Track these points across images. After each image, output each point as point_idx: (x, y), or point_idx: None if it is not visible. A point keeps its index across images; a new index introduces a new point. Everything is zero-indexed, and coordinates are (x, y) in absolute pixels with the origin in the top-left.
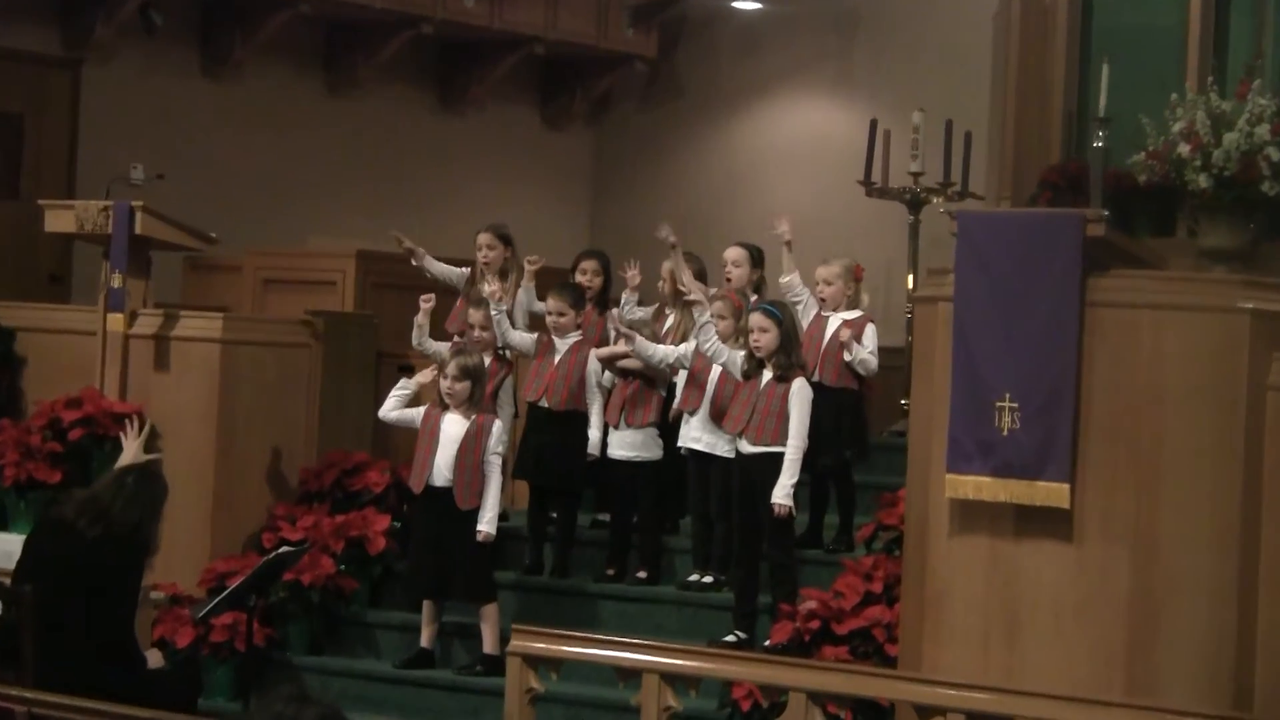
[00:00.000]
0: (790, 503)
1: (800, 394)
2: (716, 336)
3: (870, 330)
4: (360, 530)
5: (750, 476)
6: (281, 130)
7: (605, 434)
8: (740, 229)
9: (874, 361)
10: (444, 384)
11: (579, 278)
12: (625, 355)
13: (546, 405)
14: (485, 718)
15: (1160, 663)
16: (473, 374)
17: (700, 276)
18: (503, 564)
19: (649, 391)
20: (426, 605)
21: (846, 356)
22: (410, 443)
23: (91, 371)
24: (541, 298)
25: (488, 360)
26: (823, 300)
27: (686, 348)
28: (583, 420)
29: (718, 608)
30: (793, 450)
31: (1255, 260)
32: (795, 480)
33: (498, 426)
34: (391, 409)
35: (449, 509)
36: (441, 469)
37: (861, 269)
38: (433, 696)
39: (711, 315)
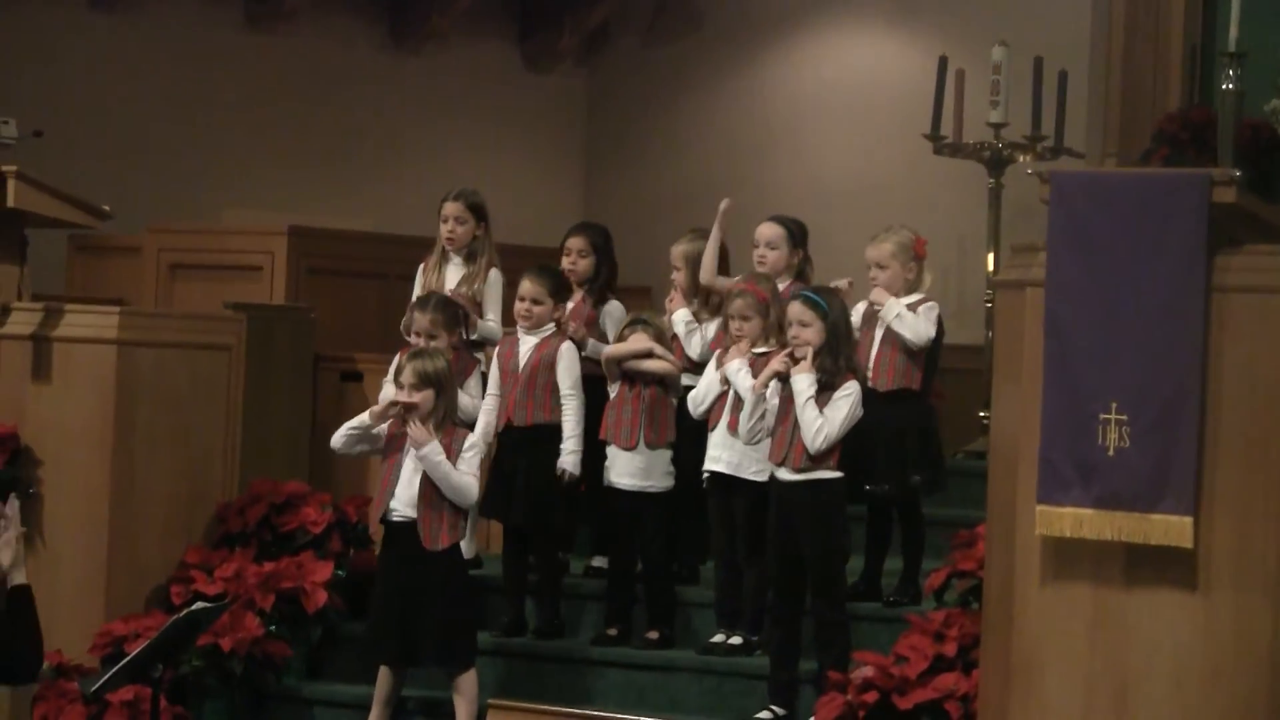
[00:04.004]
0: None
1: (847, 389)
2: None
3: (929, 308)
4: (294, 581)
5: (789, 510)
6: (192, 75)
7: (595, 456)
8: (774, 196)
9: (925, 328)
10: (400, 396)
11: (564, 261)
12: (645, 354)
13: (514, 421)
14: None
15: None
16: (434, 381)
17: (720, 256)
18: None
19: (664, 402)
20: (383, 675)
21: (886, 315)
22: (357, 468)
23: None
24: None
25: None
26: (877, 288)
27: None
28: (557, 435)
29: (749, 676)
30: (818, 421)
31: None
32: (806, 376)
33: (470, 440)
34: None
35: (415, 550)
36: (403, 501)
37: (924, 242)
38: None
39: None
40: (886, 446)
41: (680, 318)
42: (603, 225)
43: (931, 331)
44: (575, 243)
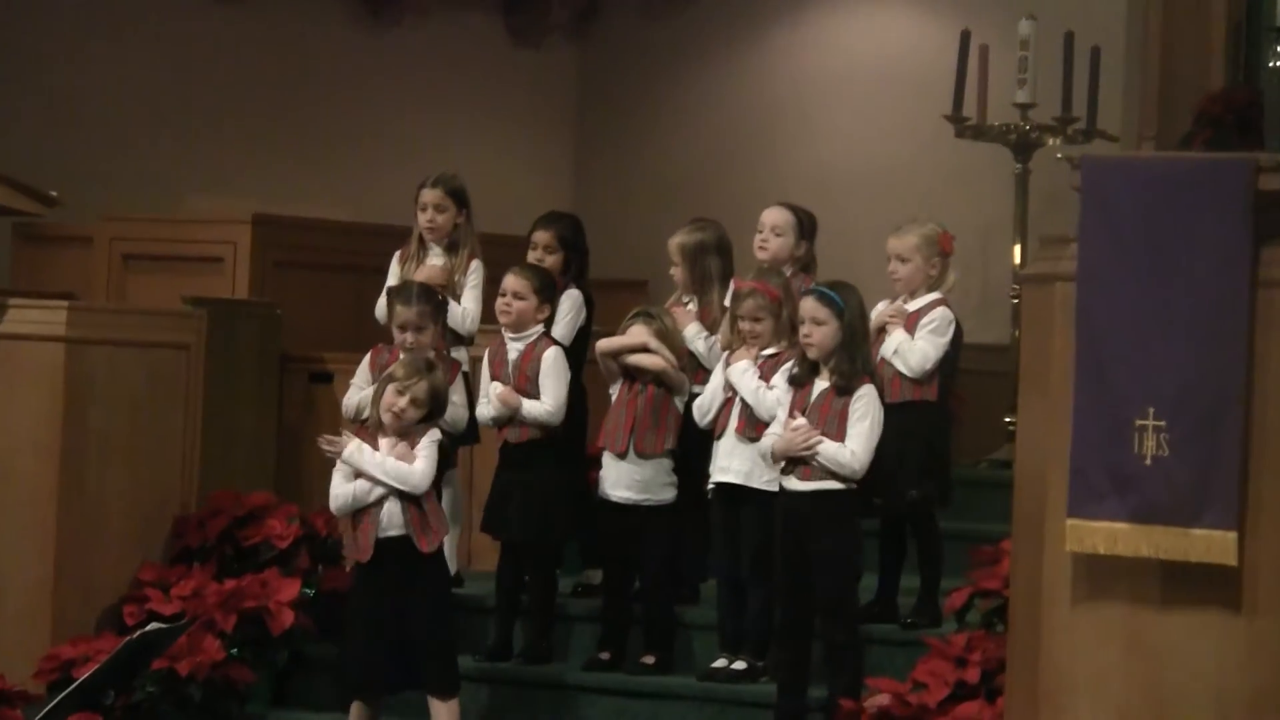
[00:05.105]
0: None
1: (865, 399)
2: (759, 386)
3: (940, 316)
4: (258, 601)
5: (798, 524)
6: (149, 49)
7: (590, 467)
8: (780, 182)
9: (919, 357)
10: (397, 402)
11: (529, 256)
12: (639, 349)
13: (508, 438)
14: None
15: None
16: (439, 402)
17: (720, 249)
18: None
19: (666, 404)
20: (356, 707)
21: (885, 351)
22: (328, 479)
23: None
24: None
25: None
26: (897, 282)
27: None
28: (560, 449)
29: (753, 705)
30: (846, 448)
31: None
32: (827, 458)
33: (433, 432)
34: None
35: (403, 566)
36: (392, 516)
37: (950, 238)
38: None
39: (748, 338)
40: (887, 459)
41: (693, 333)
42: (573, 216)
43: (933, 356)
44: (541, 237)
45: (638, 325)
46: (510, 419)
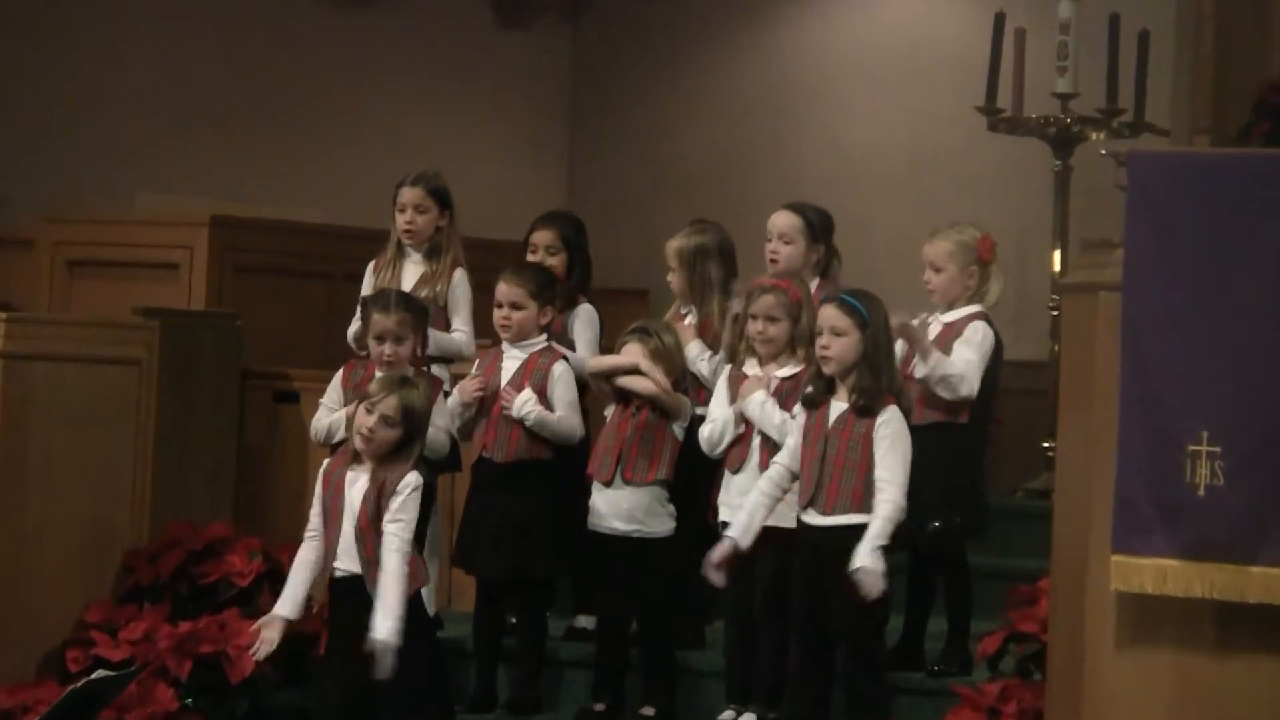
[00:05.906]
0: (881, 569)
1: (892, 424)
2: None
3: (978, 331)
4: (216, 645)
5: (818, 560)
6: (96, 32)
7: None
8: (795, 179)
9: (968, 386)
10: (366, 421)
11: (529, 259)
12: (631, 370)
13: (491, 456)
14: None
15: None
16: (416, 421)
17: (722, 254)
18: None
19: (661, 429)
20: None
21: (918, 373)
22: (293, 509)
23: None
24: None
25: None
26: (932, 293)
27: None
28: (548, 472)
29: None
30: (885, 504)
31: None
32: (882, 543)
33: (411, 479)
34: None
35: (366, 604)
36: (346, 548)
37: (990, 245)
38: None
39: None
40: (913, 484)
41: (695, 353)
42: (574, 215)
43: (975, 380)
44: (542, 237)
45: (632, 343)
46: (471, 430)
